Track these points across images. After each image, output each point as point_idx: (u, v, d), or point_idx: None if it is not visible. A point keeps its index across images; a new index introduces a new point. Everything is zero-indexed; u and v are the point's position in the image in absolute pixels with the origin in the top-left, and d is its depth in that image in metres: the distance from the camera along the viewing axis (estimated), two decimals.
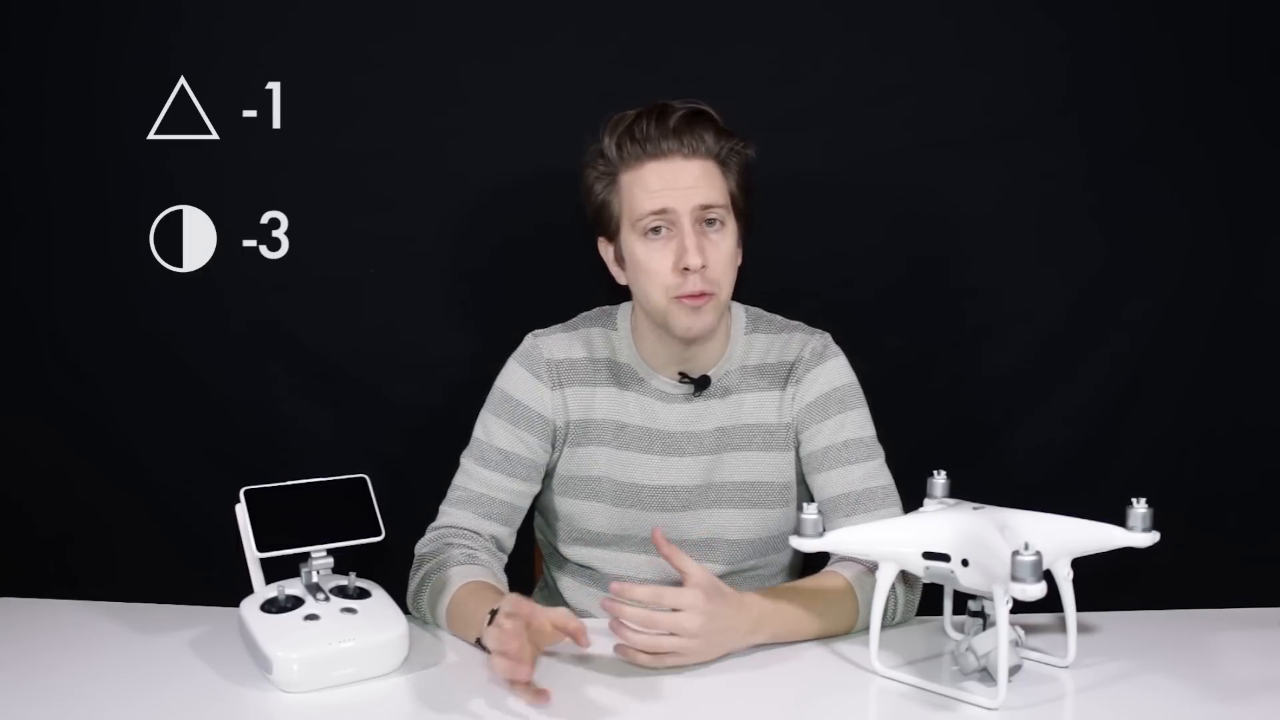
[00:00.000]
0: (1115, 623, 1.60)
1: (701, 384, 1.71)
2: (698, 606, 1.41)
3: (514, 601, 1.40)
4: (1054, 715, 1.38)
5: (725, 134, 1.62)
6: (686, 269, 1.58)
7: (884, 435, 1.73)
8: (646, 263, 1.62)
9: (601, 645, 1.44)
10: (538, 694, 1.34)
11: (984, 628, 1.40)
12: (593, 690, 1.39)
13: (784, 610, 1.52)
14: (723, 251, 1.61)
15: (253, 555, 1.44)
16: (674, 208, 1.59)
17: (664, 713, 1.36)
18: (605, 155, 1.63)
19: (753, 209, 1.68)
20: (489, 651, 1.41)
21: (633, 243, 1.63)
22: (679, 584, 1.43)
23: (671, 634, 1.41)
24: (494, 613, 1.45)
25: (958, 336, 2.09)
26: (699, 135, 1.60)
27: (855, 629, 1.55)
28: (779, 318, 1.78)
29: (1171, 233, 2.05)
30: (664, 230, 1.61)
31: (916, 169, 2.05)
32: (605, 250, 1.71)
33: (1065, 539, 1.42)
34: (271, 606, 1.42)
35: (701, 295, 1.60)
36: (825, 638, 1.54)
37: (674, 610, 1.41)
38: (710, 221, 1.61)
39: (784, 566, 1.79)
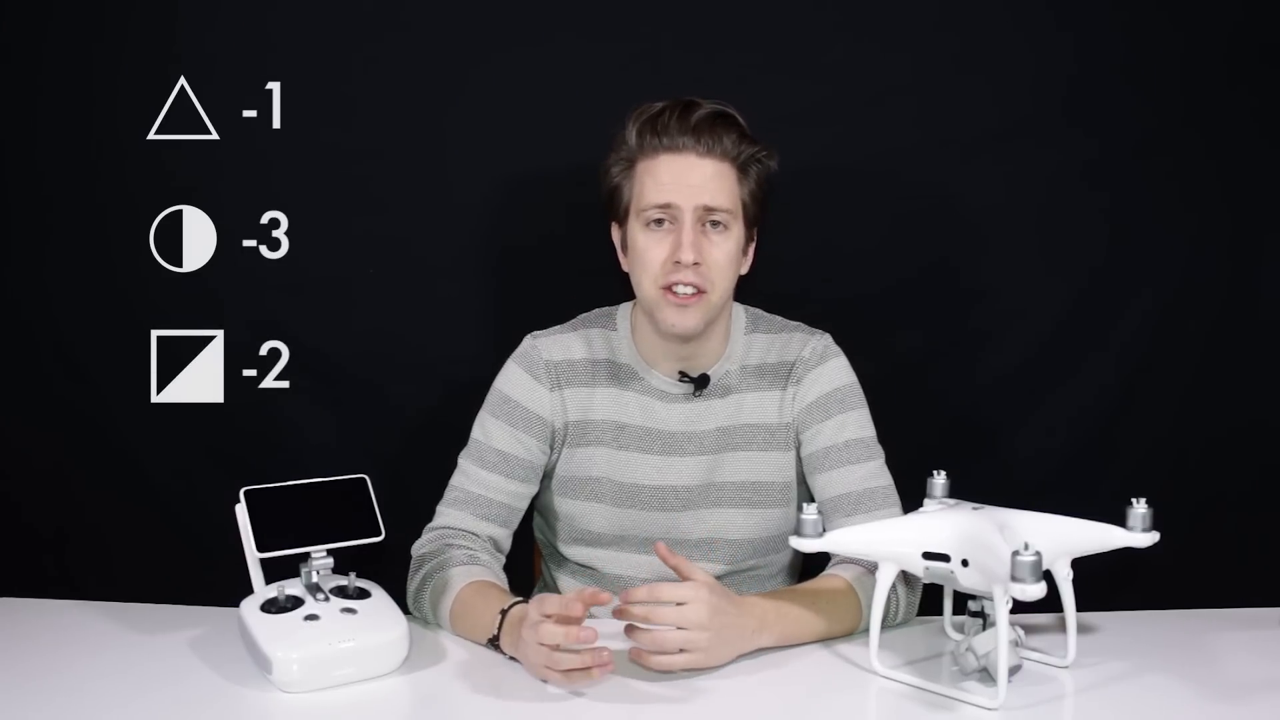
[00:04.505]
0: (1115, 623, 1.60)
1: (701, 383, 1.71)
2: (701, 598, 1.41)
3: (542, 603, 1.39)
4: (1054, 715, 1.38)
5: (747, 140, 1.63)
6: (678, 262, 1.59)
7: (884, 435, 1.73)
8: (644, 252, 1.63)
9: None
10: (603, 666, 1.36)
11: (984, 628, 1.40)
12: (594, 692, 1.39)
13: (788, 611, 1.51)
14: (721, 252, 1.62)
15: (253, 555, 1.44)
16: (678, 204, 1.60)
17: (664, 713, 1.36)
18: (626, 141, 1.64)
19: (765, 218, 1.68)
20: (504, 654, 1.44)
21: (636, 231, 1.64)
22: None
23: (680, 629, 1.40)
24: (504, 613, 1.46)
25: (958, 336, 2.09)
26: (718, 136, 1.60)
27: (858, 629, 1.55)
28: (779, 318, 1.78)
29: (1171, 233, 2.05)
30: (666, 223, 1.61)
31: (918, 169, 2.05)
32: (616, 235, 1.71)
33: (1065, 539, 1.42)
34: (271, 606, 1.42)
35: (692, 293, 1.60)
36: (829, 639, 1.54)
37: (679, 605, 1.41)
38: (714, 223, 1.61)
39: (784, 566, 1.79)
